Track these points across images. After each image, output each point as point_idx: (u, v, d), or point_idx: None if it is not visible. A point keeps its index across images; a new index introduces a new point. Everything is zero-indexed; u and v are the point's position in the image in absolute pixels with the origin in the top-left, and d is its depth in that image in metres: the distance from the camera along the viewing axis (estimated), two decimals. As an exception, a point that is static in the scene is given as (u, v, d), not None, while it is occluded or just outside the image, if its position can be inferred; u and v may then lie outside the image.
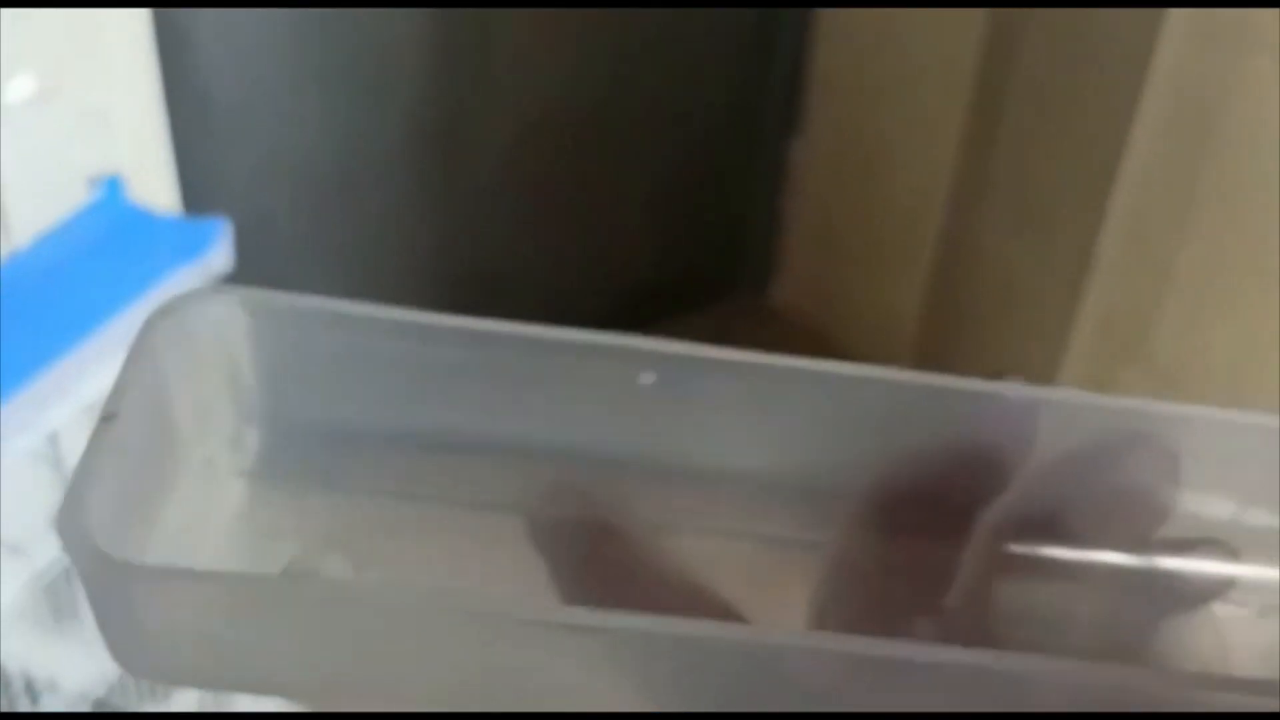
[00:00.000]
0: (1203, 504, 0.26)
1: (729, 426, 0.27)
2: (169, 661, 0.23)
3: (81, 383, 0.72)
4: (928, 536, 0.26)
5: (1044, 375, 1.59)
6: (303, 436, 0.27)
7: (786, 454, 0.27)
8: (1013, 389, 0.25)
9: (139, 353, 0.24)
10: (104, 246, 0.74)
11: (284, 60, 1.52)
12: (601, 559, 0.26)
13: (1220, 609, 0.27)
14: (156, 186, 0.98)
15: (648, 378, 0.27)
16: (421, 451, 0.27)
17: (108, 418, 0.22)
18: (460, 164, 1.72)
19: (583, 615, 0.22)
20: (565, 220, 1.86)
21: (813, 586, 0.26)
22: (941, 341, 1.84)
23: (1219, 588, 0.26)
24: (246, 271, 1.64)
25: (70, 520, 0.20)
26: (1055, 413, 0.25)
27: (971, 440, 0.25)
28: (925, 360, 1.89)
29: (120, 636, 0.22)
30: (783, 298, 2.08)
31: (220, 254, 0.77)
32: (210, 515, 0.26)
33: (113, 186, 0.76)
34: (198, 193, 1.47)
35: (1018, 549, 0.26)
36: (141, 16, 0.94)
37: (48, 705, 1.04)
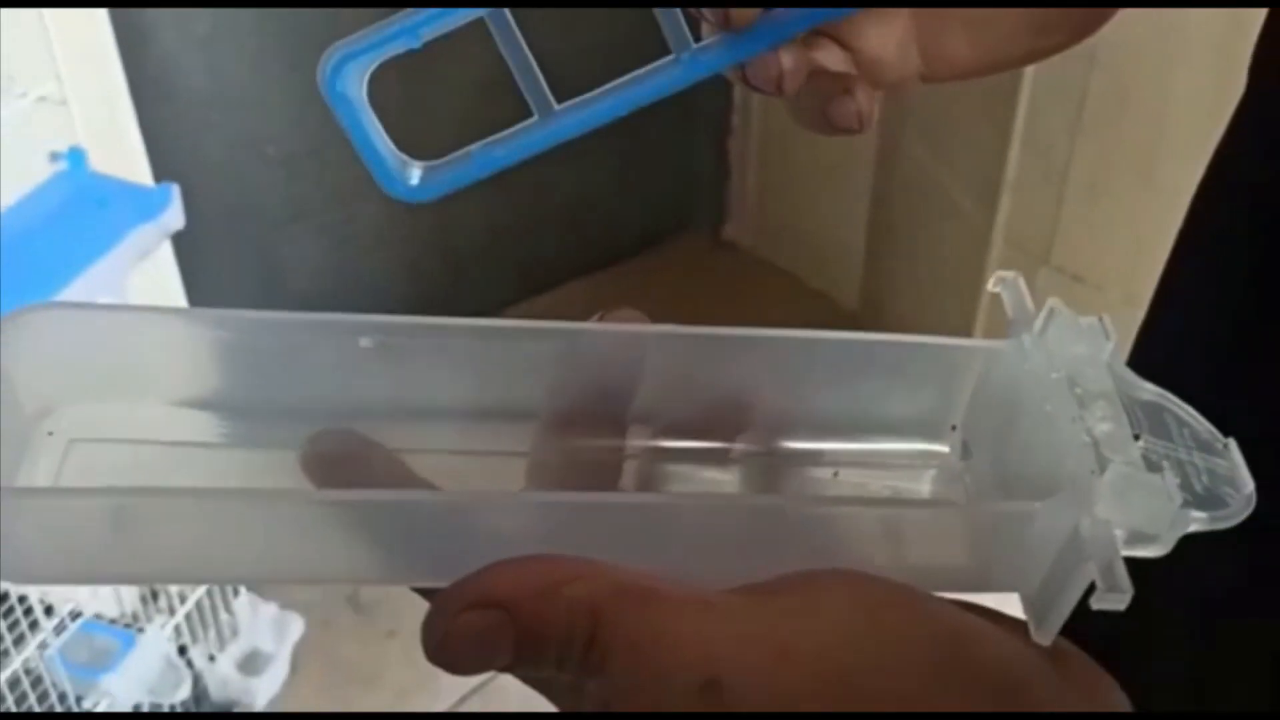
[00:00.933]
0: (786, 400, 0.35)
1: (440, 373, 0.34)
2: (30, 565, 0.29)
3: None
4: (596, 439, 0.34)
5: (971, 281, 1.70)
6: (113, 410, 0.33)
7: (486, 391, 0.34)
8: (622, 327, 0.33)
9: None
10: (71, 210, 0.86)
11: (244, 44, 1.64)
12: (357, 478, 0.33)
13: (815, 473, 0.36)
14: (125, 165, 1.10)
15: (367, 342, 0.33)
16: (211, 412, 0.34)
17: None
18: (423, 126, 1.83)
19: (327, 494, 0.30)
20: (528, 174, 1.96)
21: (521, 485, 0.34)
22: (881, 259, 1.96)
23: (810, 456, 0.36)
24: (234, 246, 1.77)
25: None
26: (658, 339, 0.34)
27: (599, 365, 0.34)
28: (869, 274, 2.00)
29: None
30: (735, 232, 2.20)
31: (172, 214, 0.90)
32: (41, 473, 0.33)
33: (75, 159, 0.89)
34: (176, 175, 1.59)
35: (665, 443, 0.35)
36: (99, 12, 1.07)
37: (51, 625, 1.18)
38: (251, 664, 1.37)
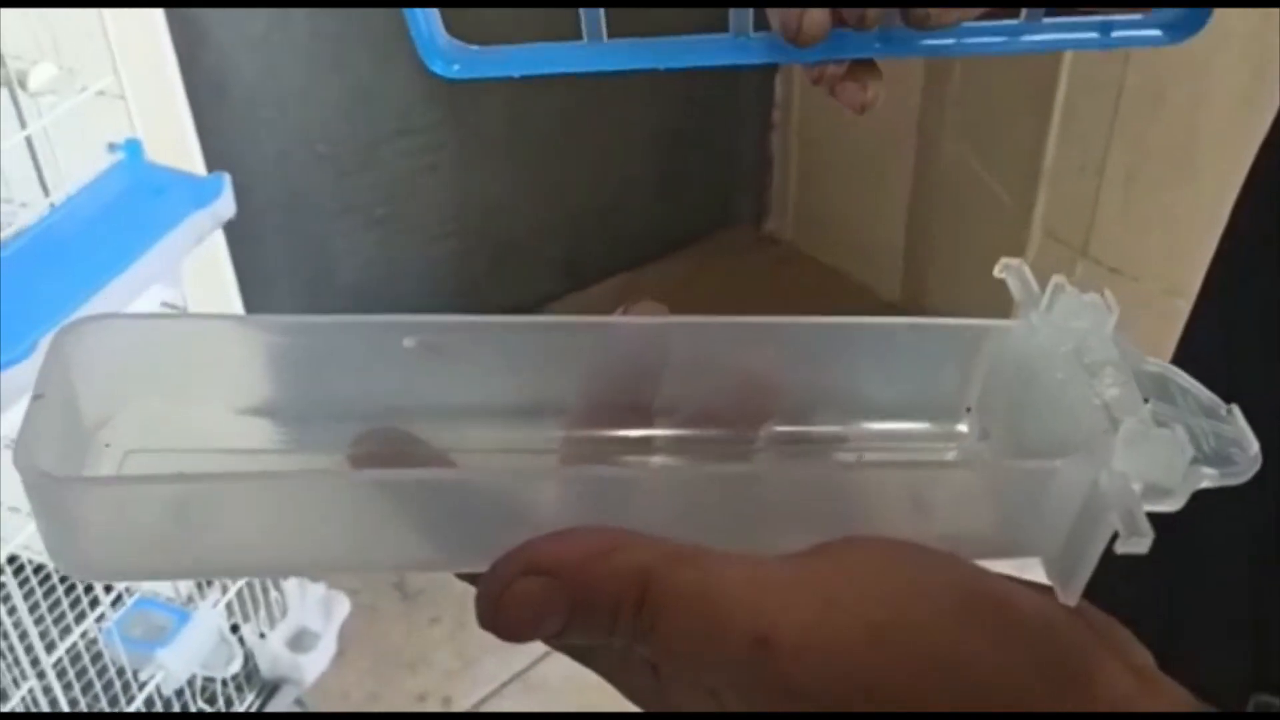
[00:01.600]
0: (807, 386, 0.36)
1: (479, 370, 0.35)
2: (97, 559, 0.29)
3: (121, 309, 0.90)
4: (623, 429, 0.35)
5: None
6: (168, 420, 0.34)
7: (524, 387, 0.35)
8: (645, 320, 0.35)
9: (51, 358, 0.31)
10: (127, 199, 0.90)
11: (297, 43, 1.68)
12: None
13: (840, 457, 0.37)
14: (180, 157, 1.15)
15: (410, 342, 0.34)
16: (263, 418, 0.35)
17: (37, 396, 0.30)
18: (469, 122, 1.87)
19: (369, 475, 0.31)
20: (572, 169, 2.00)
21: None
22: (921, 252, 1.97)
23: (833, 441, 0.37)
24: (286, 239, 1.81)
25: (23, 452, 0.28)
26: (679, 330, 0.35)
27: (624, 358, 0.35)
28: (909, 267, 2.02)
29: (58, 542, 0.29)
30: (777, 227, 2.22)
31: (224, 202, 0.93)
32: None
33: (132, 150, 0.93)
34: (230, 169, 1.62)
35: (690, 432, 0.36)
36: (154, 11, 1.11)
37: (108, 601, 1.22)
38: (300, 642, 1.42)
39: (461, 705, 1.51)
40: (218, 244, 1.19)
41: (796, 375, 0.36)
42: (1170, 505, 0.30)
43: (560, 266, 2.09)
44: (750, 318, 0.35)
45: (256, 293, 1.74)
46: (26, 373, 0.78)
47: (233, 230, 1.22)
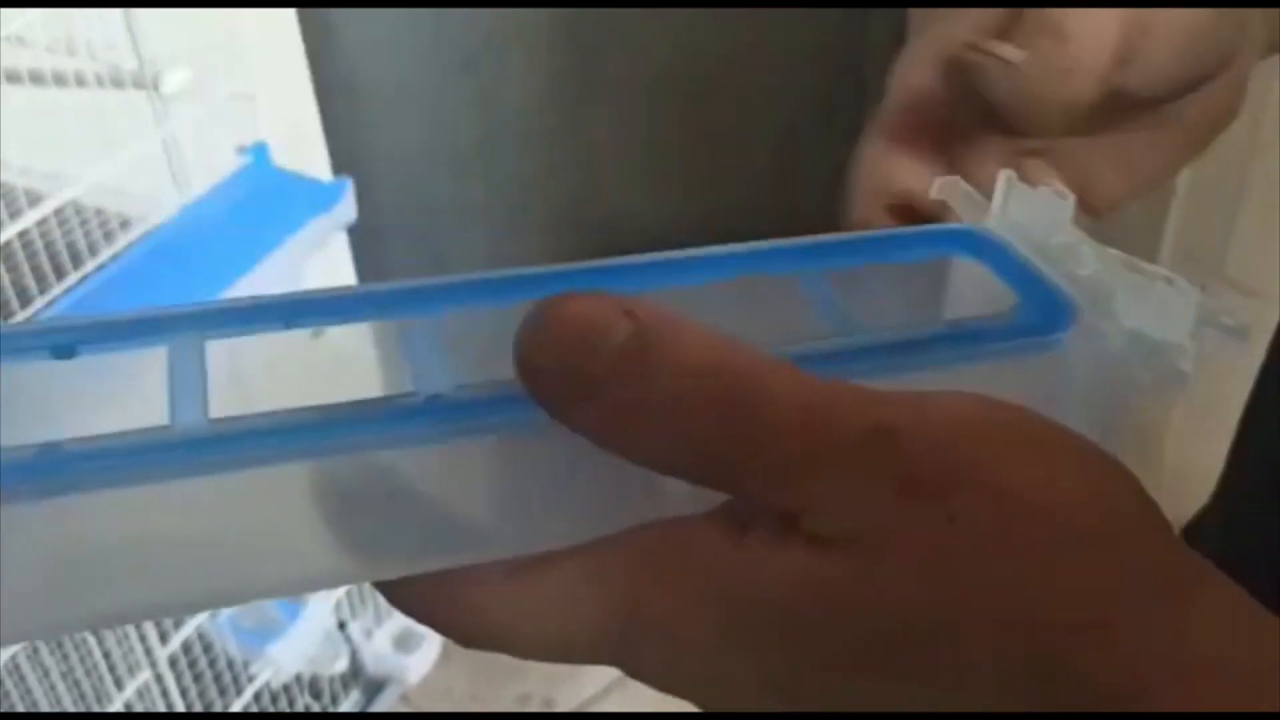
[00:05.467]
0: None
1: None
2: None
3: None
4: None
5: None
6: None
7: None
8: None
9: None
10: (253, 202, 0.92)
11: (424, 44, 1.70)
12: None
13: None
14: (305, 159, 1.16)
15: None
16: None
17: None
18: (589, 126, 1.87)
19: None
20: (689, 169, 1.99)
21: None
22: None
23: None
24: (405, 239, 1.83)
25: None
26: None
27: None
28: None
29: None
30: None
31: (345, 206, 0.94)
32: None
33: (259, 153, 0.94)
34: (354, 170, 1.65)
35: None
36: (286, 12, 1.12)
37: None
38: (405, 642, 1.43)
39: (563, 708, 1.51)
40: (340, 245, 1.20)
41: (767, 317, 0.31)
42: (1184, 365, 0.27)
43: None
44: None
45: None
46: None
47: (354, 231, 1.24)
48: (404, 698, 1.45)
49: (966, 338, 0.28)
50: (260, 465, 0.23)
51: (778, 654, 0.24)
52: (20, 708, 1.02)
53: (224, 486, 0.23)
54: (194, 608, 0.25)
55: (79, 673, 1.06)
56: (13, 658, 0.98)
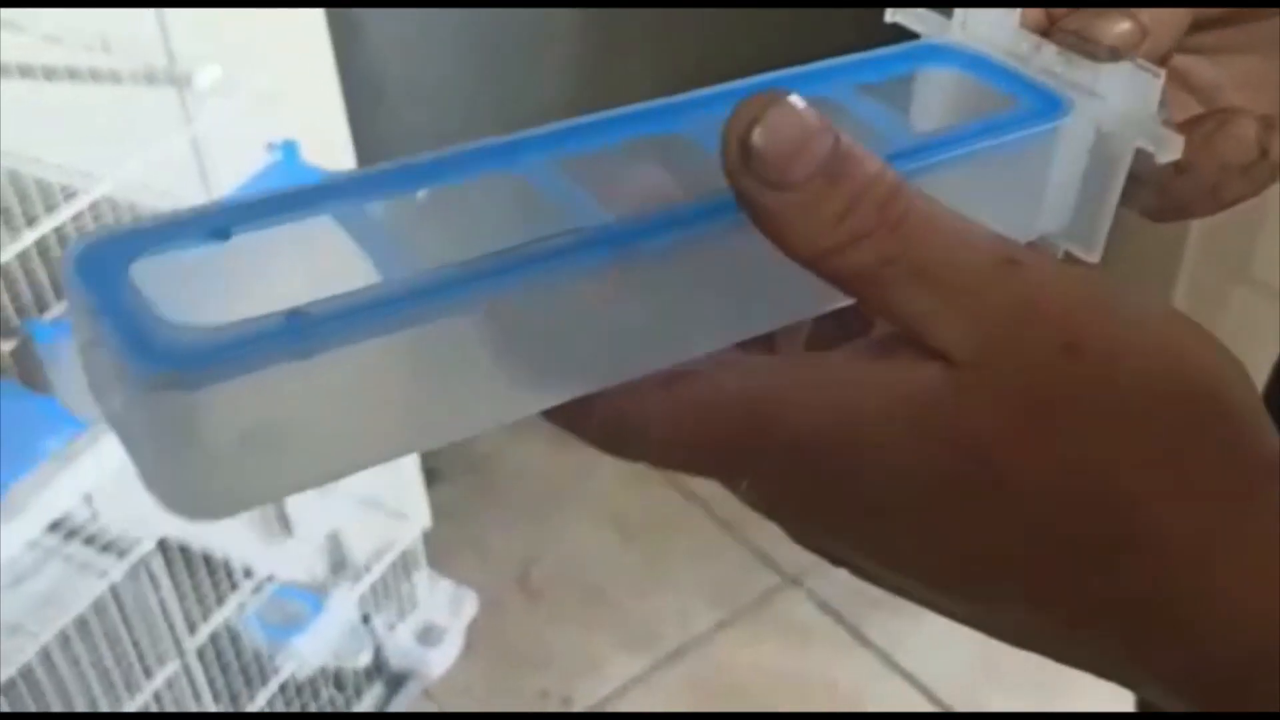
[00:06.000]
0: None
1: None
2: (216, 481, 0.23)
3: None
4: None
5: (1162, 294, 1.64)
6: None
7: None
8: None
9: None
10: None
11: (449, 44, 1.70)
12: None
13: None
14: (333, 157, 1.17)
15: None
16: None
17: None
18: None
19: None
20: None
21: None
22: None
23: None
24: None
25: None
26: None
27: None
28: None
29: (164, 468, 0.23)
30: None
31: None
32: None
33: (289, 150, 0.95)
34: (373, 159, 1.64)
35: None
36: (315, 12, 1.14)
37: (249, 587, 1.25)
38: (428, 636, 1.44)
39: (582, 705, 1.52)
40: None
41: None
42: (1170, 140, 0.30)
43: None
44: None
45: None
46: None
47: None
48: (426, 692, 1.46)
49: (996, 129, 0.30)
50: (472, 304, 0.24)
51: (888, 476, 0.26)
52: (51, 696, 1.03)
53: (447, 329, 0.24)
54: (404, 452, 0.26)
55: (108, 661, 1.07)
56: (44, 648, 0.99)
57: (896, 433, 0.26)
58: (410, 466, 1.37)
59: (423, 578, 1.43)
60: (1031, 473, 0.25)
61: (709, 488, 0.35)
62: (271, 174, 0.95)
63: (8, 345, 0.84)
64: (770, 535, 0.35)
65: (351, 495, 1.32)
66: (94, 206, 0.83)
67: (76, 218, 0.83)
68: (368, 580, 1.34)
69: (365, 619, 1.37)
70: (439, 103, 1.74)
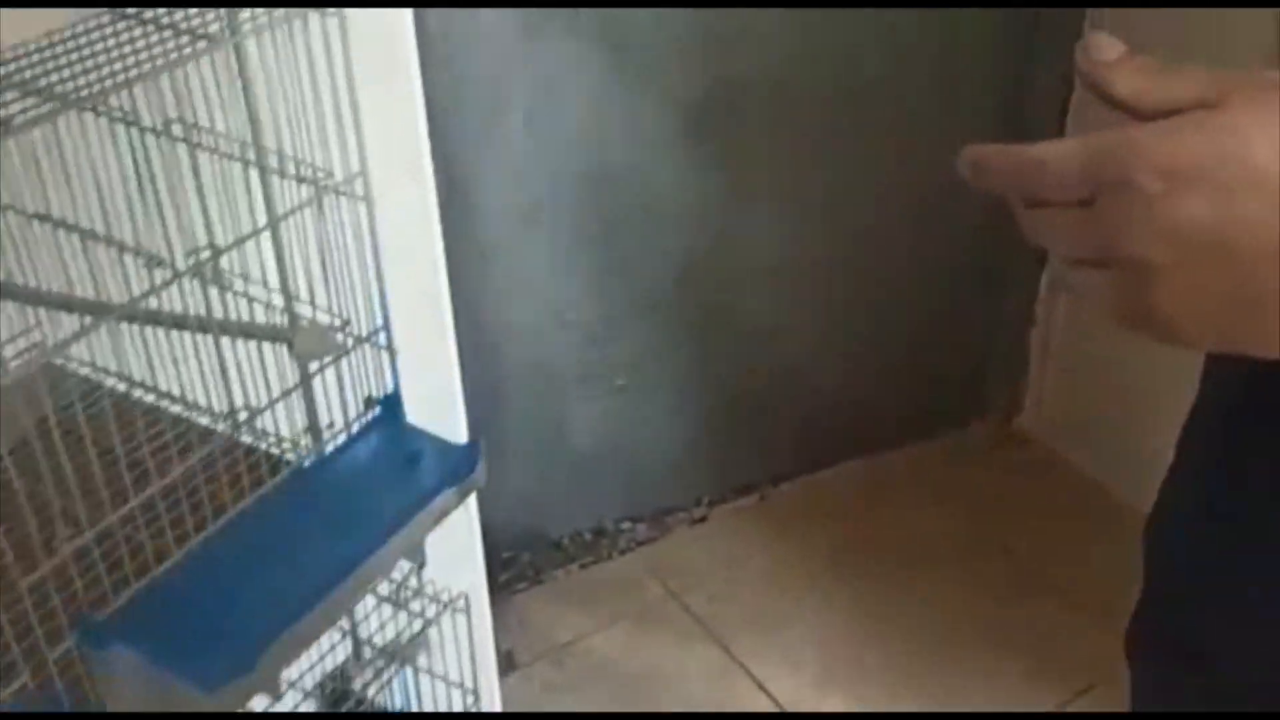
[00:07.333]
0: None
1: None
2: None
3: (375, 581, 0.89)
4: None
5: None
6: None
7: None
8: None
9: None
10: (382, 464, 0.88)
11: (559, 219, 1.67)
12: None
13: None
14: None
15: None
16: None
17: None
18: (716, 297, 1.82)
19: None
20: (818, 346, 1.93)
21: None
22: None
23: None
24: (524, 401, 1.79)
25: None
26: None
27: None
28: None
29: None
30: (1029, 424, 2.09)
31: (477, 476, 0.90)
32: None
33: (390, 405, 0.91)
34: (486, 336, 1.63)
35: None
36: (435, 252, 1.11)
37: None
38: None
39: None
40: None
41: None
42: None
43: (794, 446, 2.01)
44: None
45: (486, 450, 1.72)
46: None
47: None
48: None
49: None
50: None
51: None
52: None
53: None
54: None
55: None
56: None
57: None
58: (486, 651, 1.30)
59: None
60: None
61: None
62: (371, 431, 0.91)
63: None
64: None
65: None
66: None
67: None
68: None
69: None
70: (543, 273, 1.71)
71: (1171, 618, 0.73)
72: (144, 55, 0.69)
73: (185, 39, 0.72)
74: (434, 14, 1.41)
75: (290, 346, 0.85)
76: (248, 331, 0.86)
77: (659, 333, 1.84)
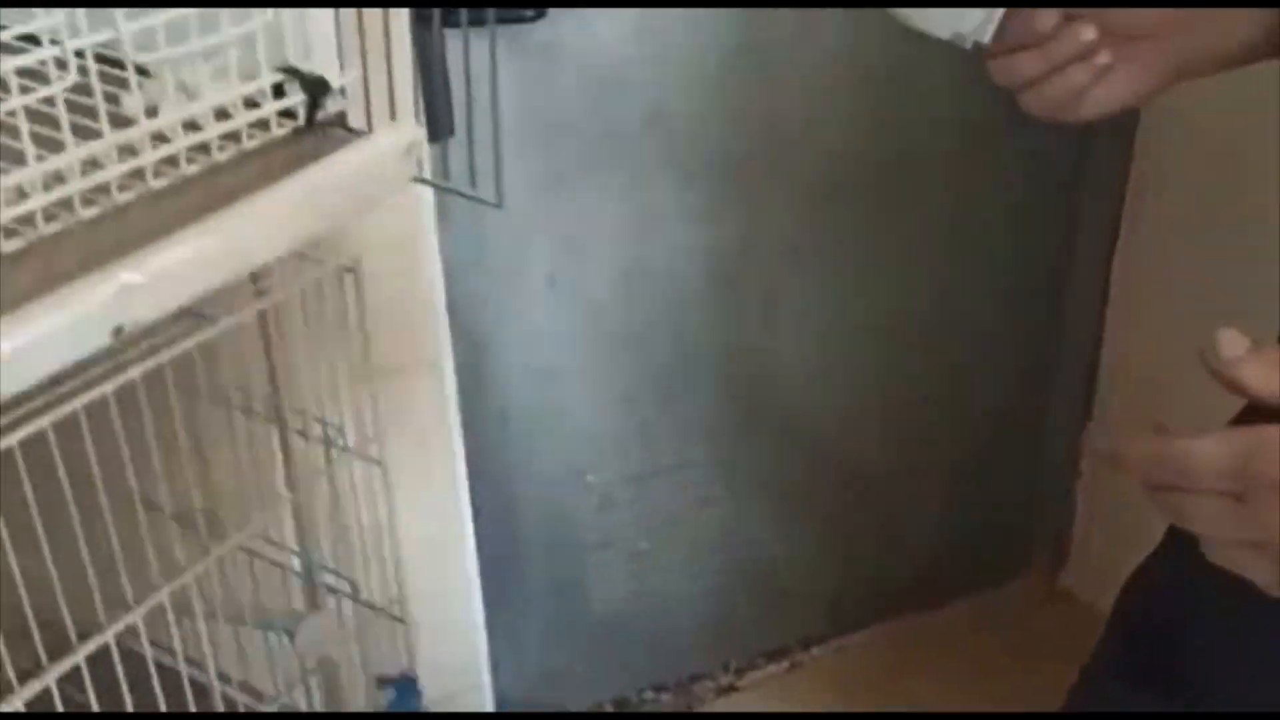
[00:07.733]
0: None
1: None
2: None
3: None
4: None
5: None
6: None
7: None
8: None
9: None
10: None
11: (583, 377, 1.59)
12: None
13: None
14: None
15: None
16: None
17: None
18: (744, 459, 1.73)
19: None
20: (849, 502, 1.83)
21: None
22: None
23: None
24: (542, 566, 1.69)
25: None
26: None
27: None
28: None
29: None
30: (1074, 583, 1.98)
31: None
32: None
33: (404, 691, 0.81)
34: (501, 496, 1.54)
35: None
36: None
37: None
38: None
39: None
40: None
41: None
42: None
43: (824, 608, 1.91)
44: None
45: (505, 619, 1.63)
46: None
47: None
48: None
49: None
50: None
51: None
52: None
53: None
54: None
55: None
56: None
57: None
58: None
59: None
60: None
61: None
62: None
63: None
64: None
65: None
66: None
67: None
68: None
69: None
70: (564, 432, 1.64)
71: (1150, 648, 0.80)
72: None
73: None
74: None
75: (291, 638, 0.77)
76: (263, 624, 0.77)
77: (682, 493, 1.74)
